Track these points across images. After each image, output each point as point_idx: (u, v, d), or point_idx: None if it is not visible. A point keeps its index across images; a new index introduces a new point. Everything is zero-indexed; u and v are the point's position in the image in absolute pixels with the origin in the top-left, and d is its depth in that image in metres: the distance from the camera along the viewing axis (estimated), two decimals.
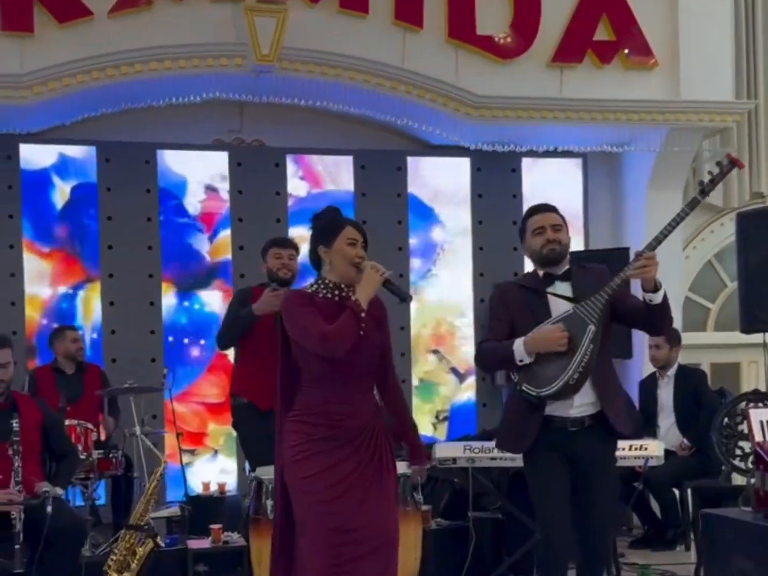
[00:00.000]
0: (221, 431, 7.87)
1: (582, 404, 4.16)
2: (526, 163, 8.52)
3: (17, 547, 4.69)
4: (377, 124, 8.06)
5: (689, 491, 6.54)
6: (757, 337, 8.95)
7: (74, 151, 7.71)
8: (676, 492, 6.84)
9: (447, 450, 5.48)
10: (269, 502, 4.69)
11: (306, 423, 3.76)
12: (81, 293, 7.72)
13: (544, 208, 4.37)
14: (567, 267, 4.29)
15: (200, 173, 8.00)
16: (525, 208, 8.28)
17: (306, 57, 7.22)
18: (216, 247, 8.01)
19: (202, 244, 7.99)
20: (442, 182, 8.47)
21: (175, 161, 7.94)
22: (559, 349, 4.03)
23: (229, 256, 7.97)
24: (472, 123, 7.61)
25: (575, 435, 4.16)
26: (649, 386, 7.18)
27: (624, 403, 4.40)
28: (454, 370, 8.52)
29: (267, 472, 4.78)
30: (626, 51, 7.80)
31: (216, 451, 7.93)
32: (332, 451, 3.73)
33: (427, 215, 8.46)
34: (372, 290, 3.74)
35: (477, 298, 8.41)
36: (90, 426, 6.23)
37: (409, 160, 8.33)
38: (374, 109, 7.53)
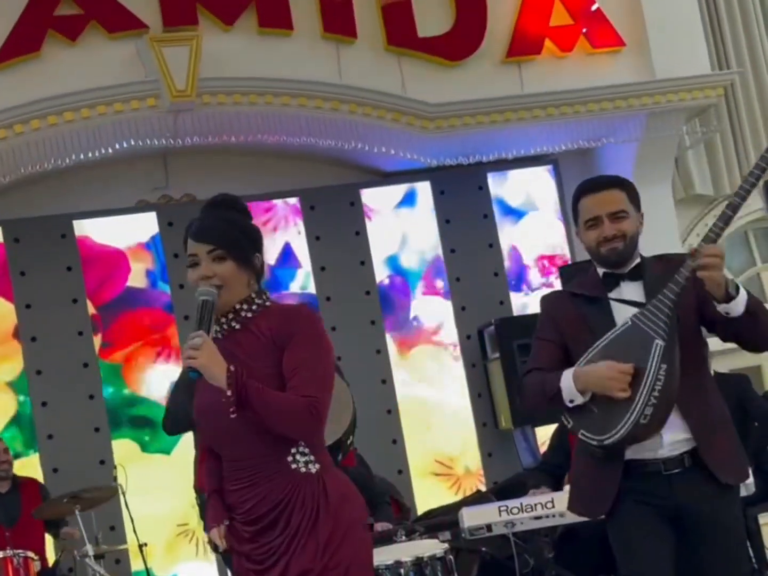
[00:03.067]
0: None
1: (675, 441, 3.03)
2: (492, 178, 7.61)
3: None
4: (321, 157, 7.16)
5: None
6: None
7: None
8: None
9: (478, 516, 4.40)
10: None
11: None
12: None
13: (596, 186, 3.17)
14: (637, 261, 3.13)
15: (128, 240, 6.96)
16: (498, 227, 7.68)
17: (229, 87, 6.33)
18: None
19: None
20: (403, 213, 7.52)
21: (96, 231, 6.89)
22: (622, 395, 2.92)
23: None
24: (429, 137, 6.68)
25: (672, 480, 3.03)
26: None
27: (732, 440, 3.12)
28: None
29: None
30: (585, 30, 6.95)
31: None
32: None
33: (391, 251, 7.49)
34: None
35: (462, 335, 7.39)
36: (31, 555, 5.11)
37: (363, 192, 7.38)
38: (316, 137, 6.56)
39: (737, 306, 2.89)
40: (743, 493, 4.41)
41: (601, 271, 3.17)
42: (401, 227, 7.53)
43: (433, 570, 3.91)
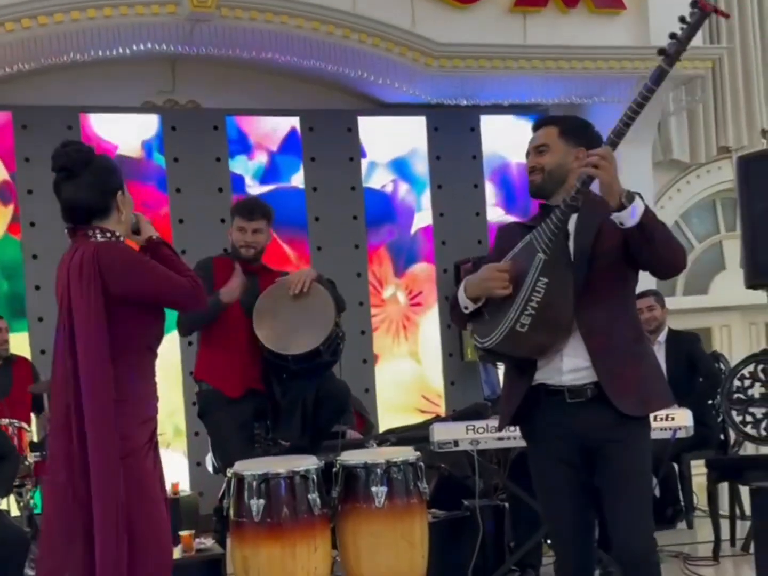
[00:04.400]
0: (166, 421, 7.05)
1: (576, 368, 3.10)
2: (484, 121, 7.91)
3: None
4: (325, 82, 7.38)
5: (704, 464, 5.94)
6: (728, 300, 8.63)
7: None
8: (675, 466, 6.30)
9: (447, 432, 4.79)
10: (254, 502, 3.95)
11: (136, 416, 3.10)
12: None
13: (535, 125, 3.34)
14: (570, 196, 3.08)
15: (130, 140, 7.17)
16: (485, 169, 7.99)
17: (247, 3, 6.49)
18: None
19: None
20: (396, 143, 7.79)
21: (100, 127, 7.09)
22: (501, 292, 3.05)
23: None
24: (431, 74, 6.95)
25: (577, 409, 3.10)
26: None
27: (640, 371, 3.12)
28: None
29: (248, 468, 4.06)
30: None
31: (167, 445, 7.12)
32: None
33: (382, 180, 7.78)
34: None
35: (440, 269, 7.75)
36: (24, 425, 5.43)
37: (361, 120, 7.64)
38: (324, 61, 6.79)
39: (629, 216, 2.93)
40: (682, 435, 4.84)
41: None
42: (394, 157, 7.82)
43: (405, 474, 4.24)
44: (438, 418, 7.31)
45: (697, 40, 7.51)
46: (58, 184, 3.10)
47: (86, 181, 3.05)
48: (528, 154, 3.29)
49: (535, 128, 3.33)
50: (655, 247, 2.99)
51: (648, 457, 3.16)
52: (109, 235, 3.08)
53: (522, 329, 3.02)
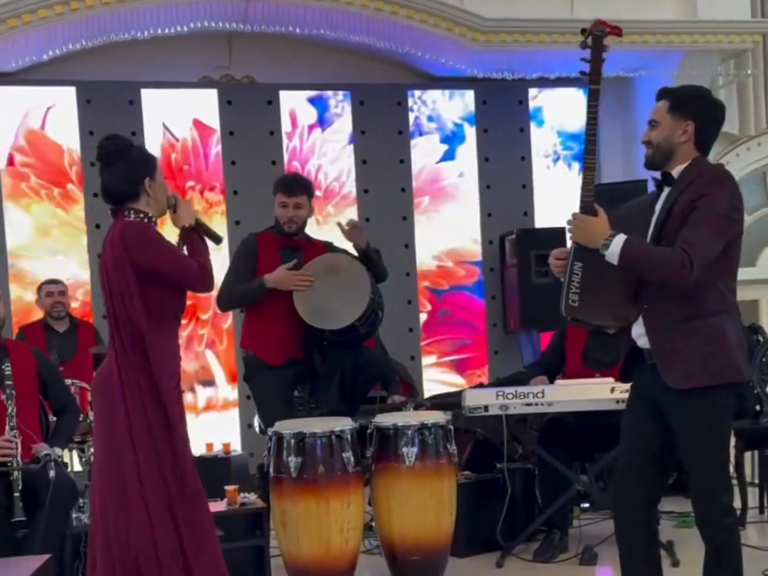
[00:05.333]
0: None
1: (640, 335, 3.38)
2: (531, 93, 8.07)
3: (17, 495, 4.19)
4: (375, 56, 7.58)
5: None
6: None
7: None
8: None
9: (478, 397, 5.01)
10: (291, 459, 4.24)
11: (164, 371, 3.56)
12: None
13: (657, 95, 3.47)
14: (673, 169, 3.35)
15: (188, 113, 7.46)
16: (533, 141, 8.12)
17: None
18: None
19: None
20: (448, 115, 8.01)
21: (160, 101, 7.39)
22: (556, 270, 3.48)
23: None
24: (479, 49, 7.10)
25: (652, 370, 3.35)
26: None
27: (691, 345, 3.28)
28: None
29: (287, 427, 4.34)
30: None
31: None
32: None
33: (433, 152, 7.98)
34: (192, 221, 3.65)
35: (485, 240, 7.94)
36: (86, 385, 5.72)
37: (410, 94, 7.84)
38: (374, 37, 7.01)
39: (611, 260, 3.28)
40: None
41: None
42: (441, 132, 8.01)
43: (435, 436, 4.49)
44: (483, 386, 7.54)
45: (745, 14, 7.64)
46: (100, 171, 3.60)
47: (118, 170, 3.51)
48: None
49: (657, 100, 3.47)
50: (646, 276, 3.32)
51: (706, 431, 3.30)
52: (142, 215, 3.53)
53: (574, 304, 3.37)
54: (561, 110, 8.17)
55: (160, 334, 3.50)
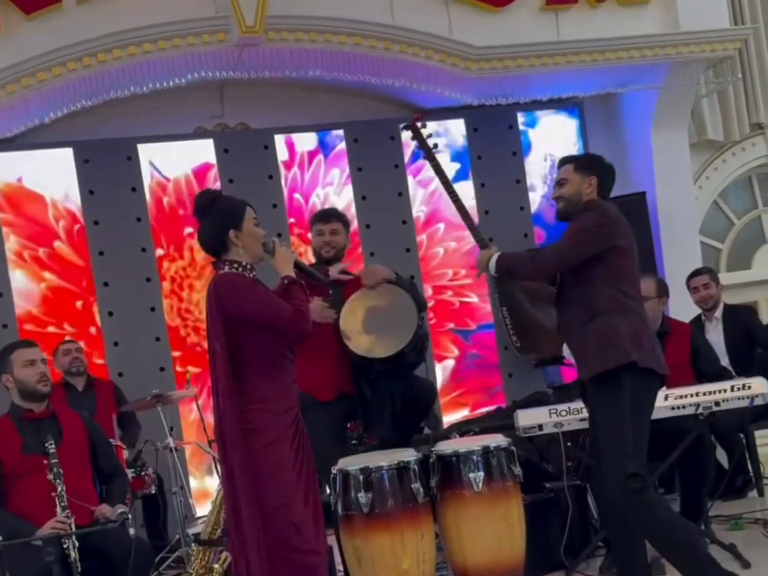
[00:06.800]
0: None
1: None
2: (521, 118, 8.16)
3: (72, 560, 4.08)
4: (366, 93, 7.63)
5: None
6: None
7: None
8: (742, 437, 6.48)
9: (531, 416, 5.02)
10: (361, 495, 4.21)
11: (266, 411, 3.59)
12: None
13: (558, 165, 4.39)
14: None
15: (186, 164, 7.45)
16: (526, 165, 8.20)
17: (292, 25, 6.73)
18: None
19: None
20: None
21: (157, 155, 7.37)
22: None
23: None
24: (471, 77, 7.18)
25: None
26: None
27: (589, 340, 4.04)
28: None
29: (352, 463, 4.32)
30: None
31: None
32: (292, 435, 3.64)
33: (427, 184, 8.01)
34: (291, 267, 3.74)
35: None
36: (120, 443, 5.69)
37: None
38: (368, 74, 7.04)
39: (494, 272, 4.25)
40: (759, 402, 5.05)
41: None
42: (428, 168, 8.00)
43: (499, 459, 4.45)
44: (501, 410, 7.54)
45: (724, 23, 7.81)
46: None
47: (205, 225, 3.70)
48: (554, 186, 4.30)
49: (558, 167, 4.31)
50: (514, 275, 4.43)
51: (610, 414, 3.98)
52: (236, 266, 3.64)
53: (518, 344, 4.29)
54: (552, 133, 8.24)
55: (255, 373, 3.59)
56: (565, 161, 4.29)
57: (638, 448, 3.95)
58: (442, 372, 7.90)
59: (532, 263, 4.12)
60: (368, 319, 4.81)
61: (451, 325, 7.91)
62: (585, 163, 4.25)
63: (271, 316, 3.54)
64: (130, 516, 4.36)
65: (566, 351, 4.08)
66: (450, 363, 7.90)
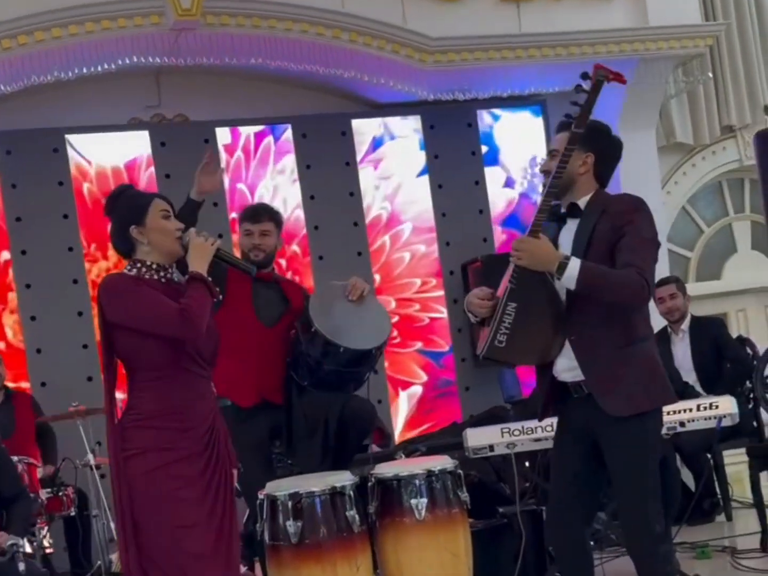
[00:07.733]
0: None
1: (569, 368, 3.41)
2: (480, 116, 7.70)
3: None
4: (315, 86, 7.18)
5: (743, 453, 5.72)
6: (742, 283, 8.45)
7: None
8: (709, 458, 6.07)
9: (481, 436, 4.56)
10: (290, 524, 3.72)
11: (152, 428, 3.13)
12: None
13: (556, 129, 3.55)
14: (581, 199, 3.45)
15: (119, 158, 6.93)
16: (485, 166, 7.75)
17: (233, 9, 6.31)
18: None
19: None
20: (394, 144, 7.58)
21: (87, 147, 6.84)
22: (479, 311, 3.43)
23: None
24: (426, 70, 6.74)
25: (580, 405, 3.42)
26: (660, 344, 6.36)
27: (625, 372, 3.33)
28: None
29: (281, 487, 3.83)
30: None
31: None
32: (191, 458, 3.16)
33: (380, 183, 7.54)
34: (206, 261, 3.23)
35: (446, 270, 7.50)
36: (34, 461, 5.18)
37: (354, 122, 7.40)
38: (315, 64, 6.59)
39: (568, 283, 3.26)
40: (728, 423, 4.66)
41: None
42: (390, 159, 7.58)
43: (444, 483, 4.01)
44: (456, 425, 7.09)
45: (695, 18, 7.43)
46: None
47: (113, 227, 3.29)
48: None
49: (556, 131, 3.52)
50: (605, 297, 3.28)
51: (642, 457, 3.35)
52: (139, 265, 3.22)
53: (500, 345, 3.33)
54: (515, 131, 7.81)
55: (145, 385, 3.16)
56: (562, 127, 3.47)
57: (657, 494, 3.41)
58: (407, 401, 7.38)
59: (640, 287, 3.24)
60: (338, 314, 4.34)
61: (419, 345, 7.44)
62: (584, 134, 3.38)
63: (151, 322, 3.09)
64: (23, 549, 3.83)
65: (561, 365, 3.41)
66: (417, 390, 7.42)
